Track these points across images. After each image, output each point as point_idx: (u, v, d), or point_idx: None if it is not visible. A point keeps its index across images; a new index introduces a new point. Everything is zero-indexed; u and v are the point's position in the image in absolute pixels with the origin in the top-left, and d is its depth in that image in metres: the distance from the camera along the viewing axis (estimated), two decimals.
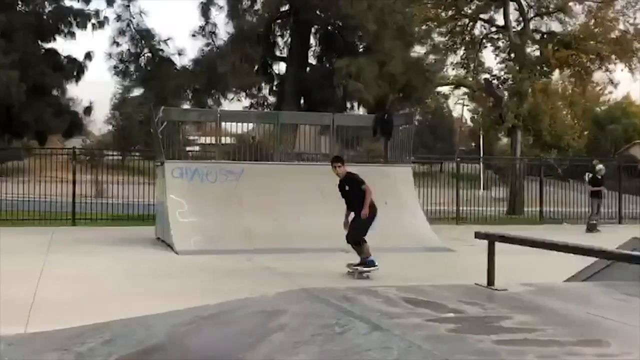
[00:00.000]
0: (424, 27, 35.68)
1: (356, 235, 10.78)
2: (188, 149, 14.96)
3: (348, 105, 24.19)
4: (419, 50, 24.80)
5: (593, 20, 35.63)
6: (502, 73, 35.13)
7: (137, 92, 24.53)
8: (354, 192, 11.04)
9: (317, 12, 22.23)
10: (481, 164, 44.63)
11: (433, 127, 73.25)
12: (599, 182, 19.63)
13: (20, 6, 26.81)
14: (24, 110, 25.40)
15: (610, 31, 35.61)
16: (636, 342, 3.07)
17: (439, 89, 36.47)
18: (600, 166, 20.22)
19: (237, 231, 13.57)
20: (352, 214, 10.99)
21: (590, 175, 20.24)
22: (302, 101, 24.88)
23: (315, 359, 2.65)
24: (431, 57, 24.87)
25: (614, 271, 5.77)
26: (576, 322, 3.65)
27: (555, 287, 5.90)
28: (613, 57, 35.96)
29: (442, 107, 69.96)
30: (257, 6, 22.66)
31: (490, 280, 5.12)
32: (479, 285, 5.18)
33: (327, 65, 23.88)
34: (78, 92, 28.46)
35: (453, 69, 37.65)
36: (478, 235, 5.73)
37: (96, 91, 27.85)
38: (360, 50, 23.44)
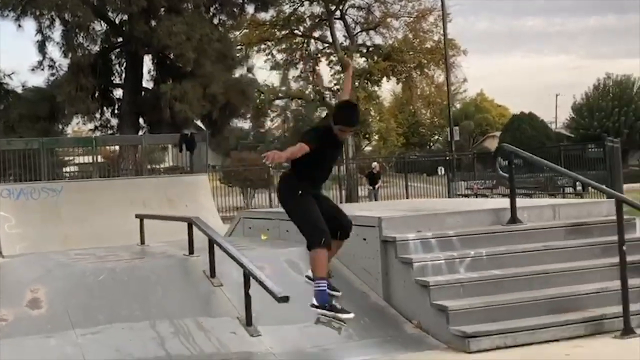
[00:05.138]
0: (262, 46, 39.57)
1: None
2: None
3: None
4: (240, 71, 28.25)
5: (411, 34, 40.33)
6: (333, 84, 39.28)
7: None
8: None
9: (143, 43, 25.28)
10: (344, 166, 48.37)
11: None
12: (374, 177, 23.91)
13: None
14: None
15: (426, 42, 40.45)
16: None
17: (277, 102, 40.17)
18: (374, 164, 24.61)
19: (57, 237, 16.52)
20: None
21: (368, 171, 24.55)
22: (141, 122, 28.02)
23: None
24: (250, 75, 28.40)
25: (238, 229, 9.54)
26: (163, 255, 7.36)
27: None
28: (431, 65, 40.87)
29: (311, 115, 73.56)
30: (89, 41, 25.54)
31: (142, 241, 8.91)
32: (138, 245, 8.98)
33: (159, 89, 27.03)
34: None
35: (295, 81, 41.56)
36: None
37: None
38: (187, 74, 26.73)
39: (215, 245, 6.61)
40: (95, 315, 5.86)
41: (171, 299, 6.26)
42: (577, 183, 21.38)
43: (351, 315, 5.31)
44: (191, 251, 7.23)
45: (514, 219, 7.14)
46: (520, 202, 7.66)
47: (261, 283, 5.60)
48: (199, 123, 28.24)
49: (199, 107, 25.36)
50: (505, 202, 7.55)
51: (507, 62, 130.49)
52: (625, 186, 22.19)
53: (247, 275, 5.85)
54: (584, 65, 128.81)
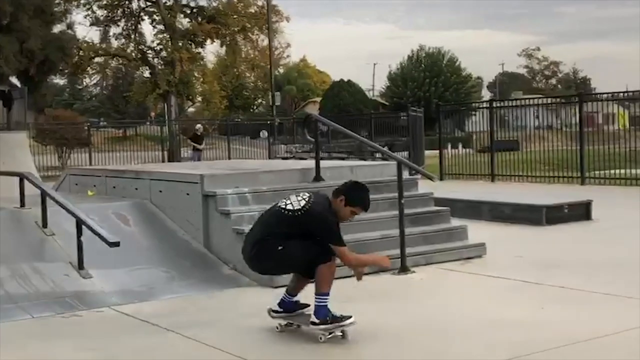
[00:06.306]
0: (82, 1, 38.38)
1: None
2: None
3: None
4: (60, 27, 27.55)
5: None
6: (156, 44, 39.04)
7: None
8: None
9: None
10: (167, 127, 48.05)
11: (124, 92, 75.13)
12: (198, 139, 24.69)
13: None
14: None
15: (250, 6, 41.17)
16: None
17: (97, 59, 39.28)
18: (198, 126, 25.44)
19: None
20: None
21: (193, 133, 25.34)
22: None
23: None
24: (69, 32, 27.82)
25: (64, 185, 9.95)
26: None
27: None
28: (255, 29, 41.66)
29: (132, 74, 71.71)
30: None
31: None
32: None
33: None
34: None
35: (116, 39, 40.72)
36: None
37: None
38: (2, 27, 25.68)
39: (47, 197, 7.16)
40: None
41: (5, 247, 6.76)
42: (386, 148, 23.22)
43: (353, 319, 5.04)
44: (22, 204, 7.71)
45: (318, 177, 8.25)
46: (324, 163, 8.81)
47: (93, 230, 6.28)
48: (13, 80, 27.32)
49: (15, 63, 24.56)
50: (313, 163, 8.64)
51: (329, 28, 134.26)
52: (430, 152, 24.34)
53: (79, 223, 6.50)
54: (402, 35, 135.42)
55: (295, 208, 5.07)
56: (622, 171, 17.07)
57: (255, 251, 5.17)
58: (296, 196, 5.19)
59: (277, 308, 5.35)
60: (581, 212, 10.88)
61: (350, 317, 5.04)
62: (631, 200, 13.67)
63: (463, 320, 5.52)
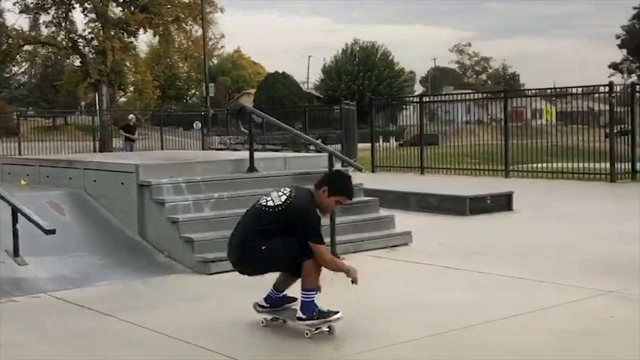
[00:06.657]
0: None
1: None
2: None
3: None
4: None
5: None
6: (87, 33, 38.36)
7: None
8: None
9: None
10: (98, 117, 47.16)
11: (54, 81, 73.32)
12: (130, 129, 24.56)
13: None
14: None
15: None
16: None
17: (27, 47, 38.35)
18: (131, 116, 25.30)
19: None
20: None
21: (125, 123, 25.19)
22: None
23: None
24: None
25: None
26: None
27: None
28: (189, 19, 41.38)
29: (62, 62, 70.08)
30: None
31: None
32: None
33: None
34: None
35: (46, 27, 39.84)
36: None
37: None
38: None
39: None
40: None
41: None
42: (319, 140, 23.52)
43: (340, 314, 4.94)
44: None
45: (251, 168, 8.49)
46: (258, 154, 9.05)
47: (29, 218, 6.38)
48: None
49: None
50: (247, 154, 8.85)
51: (264, 20, 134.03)
52: (363, 145, 24.81)
53: (15, 211, 6.58)
54: (337, 28, 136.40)
55: (276, 204, 4.93)
56: (544, 165, 17.83)
57: (239, 253, 5.04)
58: (277, 192, 5.04)
59: (263, 303, 5.23)
60: (503, 203, 11.42)
61: (338, 312, 4.93)
62: (551, 193, 14.38)
63: (390, 303, 5.86)
